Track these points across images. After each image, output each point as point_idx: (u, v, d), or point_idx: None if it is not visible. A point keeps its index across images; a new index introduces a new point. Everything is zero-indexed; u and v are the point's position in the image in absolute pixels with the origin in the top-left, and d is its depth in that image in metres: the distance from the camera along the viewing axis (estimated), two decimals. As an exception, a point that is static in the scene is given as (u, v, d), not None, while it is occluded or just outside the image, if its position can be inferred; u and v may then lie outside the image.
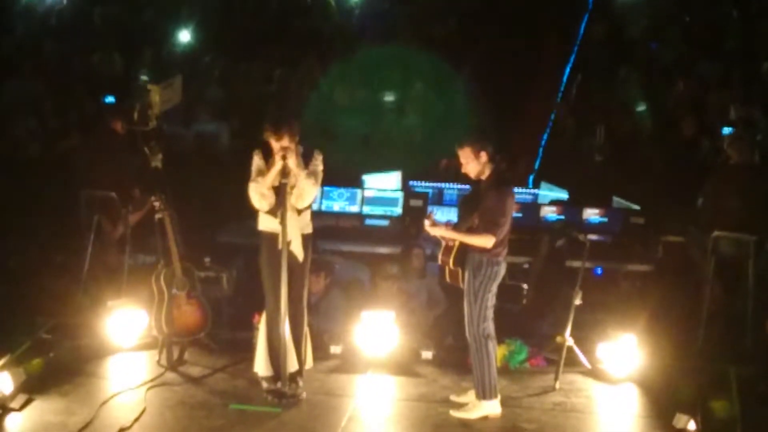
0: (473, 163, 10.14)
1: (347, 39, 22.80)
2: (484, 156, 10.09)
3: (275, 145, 10.10)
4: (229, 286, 12.76)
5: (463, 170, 10.30)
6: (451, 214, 11.39)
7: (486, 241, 10.01)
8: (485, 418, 10.46)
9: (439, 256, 10.56)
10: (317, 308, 12.07)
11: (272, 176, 10.11)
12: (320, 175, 10.44)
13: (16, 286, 12.76)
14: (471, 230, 10.15)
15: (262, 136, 10.27)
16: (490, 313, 10.36)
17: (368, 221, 13.87)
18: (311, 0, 26.18)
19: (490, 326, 10.38)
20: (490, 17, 23.70)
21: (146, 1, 25.44)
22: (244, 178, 10.54)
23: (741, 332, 12.18)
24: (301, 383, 10.84)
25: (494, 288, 10.37)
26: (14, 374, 10.58)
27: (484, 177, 10.21)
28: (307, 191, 10.25)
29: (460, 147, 10.18)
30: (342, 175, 13.14)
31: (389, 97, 19.43)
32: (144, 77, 16.48)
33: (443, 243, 10.42)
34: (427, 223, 10.42)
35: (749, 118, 16.36)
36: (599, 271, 12.78)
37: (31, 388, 10.72)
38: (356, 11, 25.65)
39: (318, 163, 10.39)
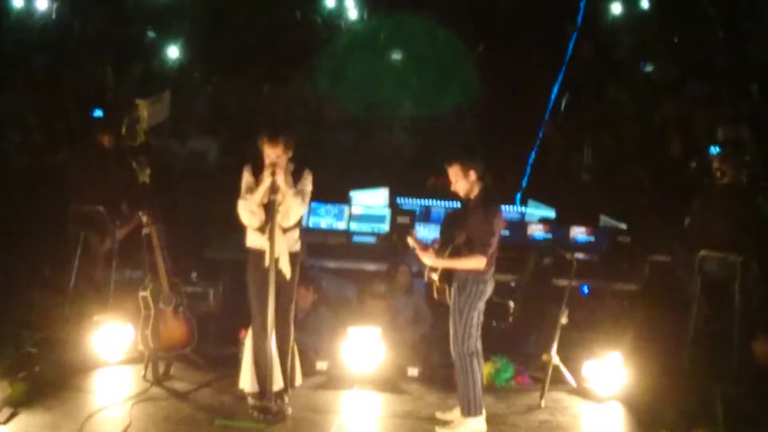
0: (462, 182, 10.16)
1: (335, 55, 22.82)
2: (473, 174, 10.10)
3: (269, 153, 10.12)
4: (215, 302, 12.79)
5: (452, 188, 10.31)
6: (437, 232, 11.39)
7: (478, 263, 10.02)
8: (471, 435, 10.48)
9: (426, 273, 10.57)
10: (304, 324, 12.07)
11: (261, 193, 10.13)
12: (308, 195, 10.45)
13: (1, 299, 12.73)
14: (459, 252, 10.15)
15: (256, 146, 10.28)
16: (476, 331, 10.35)
17: (356, 238, 13.88)
18: (300, 15, 26.29)
19: (476, 344, 10.37)
20: (478, 34, 23.79)
21: (134, 16, 25.53)
22: (232, 193, 10.54)
23: (727, 352, 12.19)
24: (286, 399, 10.83)
25: (480, 306, 10.37)
26: (-1, 388, 10.58)
27: (472, 196, 10.22)
28: (293, 210, 10.25)
29: (449, 165, 10.19)
30: (330, 191, 13.14)
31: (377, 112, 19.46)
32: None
33: (429, 264, 10.43)
34: (410, 240, 10.45)
35: (738, 138, 16.39)
36: (586, 289, 12.82)
37: (16, 402, 10.68)
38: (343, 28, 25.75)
39: (307, 183, 10.40)
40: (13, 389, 10.91)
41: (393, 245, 13.29)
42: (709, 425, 10.62)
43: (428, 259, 10.30)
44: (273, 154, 10.10)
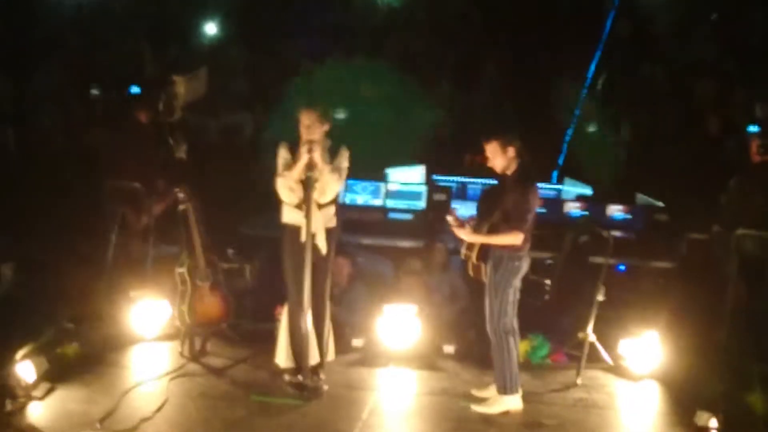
0: (500, 158, 10.16)
1: (372, 33, 22.78)
2: (511, 151, 10.11)
3: (304, 121, 10.21)
4: (251, 278, 12.78)
5: (489, 164, 10.30)
6: (474, 209, 11.35)
7: (515, 239, 10.03)
8: (506, 413, 10.46)
9: (462, 251, 10.55)
10: (340, 301, 12.06)
11: (299, 170, 10.16)
12: (345, 171, 10.48)
13: (40, 275, 12.76)
14: (496, 229, 10.11)
15: (292, 123, 10.29)
16: (512, 308, 10.35)
17: (391, 215, 13.85)
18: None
19: (512, 321, 10.38)
20: (514, 12, 23.72)
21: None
22: (267, 169, 10.53)
23: (764, 331, 12.11)
24: (322, 376, 10.87)
25: (516, 283, 10.37)
26: (37, 363, 10.59)
27: (509, 172, 10.20)
28: (330, 186, 10.28)
29: (487, 141, 10.19)
30: (366, 168, 13.10)
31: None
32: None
33: (467, 240, 10.40)
34: (450, 219, 10.42)
35: (774, 116, 16.32)
36: (622, 267, 12.75)
37: (54, 376, 10.75)
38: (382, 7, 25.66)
39: (343, 159, 10.42)
40: (66, 352, 11.00)
41: (429, 222, 13.29)
42: (746, 404, 10.58)
43: (465, 235, 10.28)
44: (308, 120, 10.16)
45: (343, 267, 12.32)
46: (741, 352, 11.74)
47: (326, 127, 10.27)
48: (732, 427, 9.93)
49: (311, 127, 10.16)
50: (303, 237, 10.32)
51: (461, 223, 10.38)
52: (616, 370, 11.44)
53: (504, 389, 10.47)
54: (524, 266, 10.45)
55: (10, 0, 23.35)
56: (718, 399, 10.42)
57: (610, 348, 11.45)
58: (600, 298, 11.30)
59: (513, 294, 10.39)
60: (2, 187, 14.33)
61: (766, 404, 10.54)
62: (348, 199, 13.59)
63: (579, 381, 11.25)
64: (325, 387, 10.82)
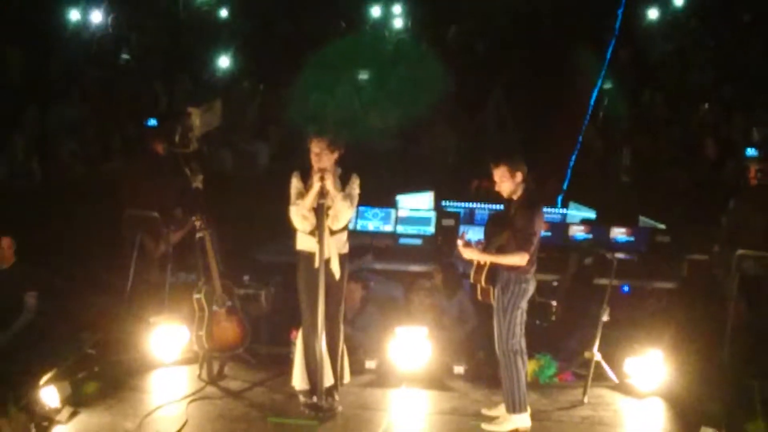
0: (508, 182, 10.18)
1: (381, 65, 22.86)
2: (519, 176, 10.15)
3: (314, 148, 10.21)
4: (267, 303, 12.81)
5: (497, 188, 10.33)
6: (482, 234, 11.38)
7: (521, 259, 10.06)
8: (516, 431, 10.48)
9: (472, 275, 10.60)
10: (353, 323, 12.09)
11: (311, 198, 10.18)
12: (356, 198, 10.48)
13: (62, 302, 12.81)
14: (502, 250, 10.17)
15: (304, 152, 10.35)
16: (520, 330, 10.38)
17: (402, 240, 13.89)
18: (345, 24, 26.36)
19: (520, 342, 10.40)
20: (519, 41, 23.82)
21: (186, 27, 25.64)
22: (282, 198, 10.59)
23: (765, 348, 12.15)
24: (337, 397, 10.87)
25: (523, 304, 10.40)
26: (60, 388, 10.62)
27: (515, 197, 10.25)
28: (342, 213, 10.30)
29: (496, 165, 10.21)
30: (376, 195, 13.15)
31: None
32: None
33: (475, 262, 10.44)
34: (460, 243, 10.46)
35: (772, 139, 16.39)
36: (626, 288, 12.79)
37: (77, 401, 10.77)
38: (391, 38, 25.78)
39: (354, 187, 10.44)
40: (86, 389, 11.03)
41: (439, 247, 13.33)
42: (749, 420, 10.61)
43: (473, 254, 10.32)
44: (317, 148, 10.16)
45: (355, 291, 12.36)
46: (743, 369, 11.77)
47: (336, 155, 10.29)
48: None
49: (321, 155, 10.19)
50: (317, 263, 10.39)
51: (470, 246, 10.46)
52: (622, 388, 11.45)
53: (513, 408, 10.49)
54: (531, 288, 10.48)
55: (32, 35, 23.52)
56: (722, 415, 10.46)
57: (615, 367, 11.48)
58: (605, 318, 11.33)
59: (520, 315, 10.42)
60: (27, 217, 14.39)
61: (763, 424, 10.59)
62: (359, 225, 13.63)
63: (586, 399, 11.26)
64: (340, 408, 10.83)
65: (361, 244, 13.22)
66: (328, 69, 21.59)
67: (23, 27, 23.88)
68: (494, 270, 10.38)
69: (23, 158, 17.35)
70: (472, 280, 10.73)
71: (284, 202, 10.55)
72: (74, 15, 25.04)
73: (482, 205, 13.68)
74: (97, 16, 25.35)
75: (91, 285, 13.36)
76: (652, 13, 26.71)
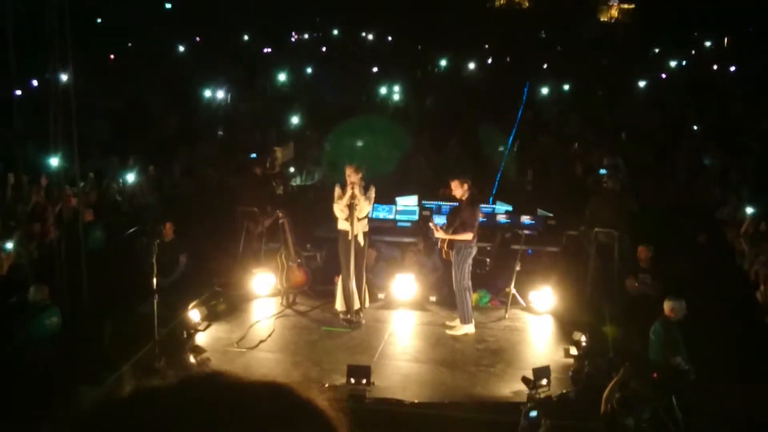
0: (459, 190, 10.32)
1: (386, 121, 22.93)
2: (465, 186, 10.31)
3: (349, 174, 10.36)
4: (320, 261, 12.79)
5: (453, 193, 10.46)
6: (444, 219, 11.37)
7: (468, 236, 10.23)
8: (466, 334, 10.53)
9: (439, 244, 10.73)
10: (371, 272, 12.06)
11: (346, 199, 10.31)
12: (372, 199, 10.62)
13: (201, 261, 12.83)
14: (457, 230, 10.25)
15: (344, 172, 10.51)
16: (467, 275, 10.49)
17: (399, 224, 13.84)
18: (366, 98, 26.42)
19: (467, 283, 10.48)
20: (468, 107, 23.84)
21: (273, 98, 25.74)
22: (329, 199, 10.64)
23: (610, 286, 12.14)
24: (361, 315, 10.92)
25: (470, 261, 10.52)
26: (200, 311, 10.69)
27: (464, 198, 10.31)
28: (364, 208, 10.46)
29: (452, 180, 10.42)
30: (384, 197, 13.16)
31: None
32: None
33: (441, 237, 10.53)
34: (432, 227, 10.63)
35: (615, 164, 16.34)
36: (530, 251, 12.74)
37: (210, 318, 10.84)
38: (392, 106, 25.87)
39: (371, 193, 10.55)
40: (217, 309, 11.11)
41: (420, 228, 13.29)
42: (601, 326, 10.63)
43: (440, 234, 10.45)
44: (349, 171, 10.40)
45: (372, 254, 12.34)
46: (598, 299, 11.77)
47: (360, 174, 10.36)
48: (593, 340, 9.97)
49: (351, 175, 10.30)
50: (349, 237, 10.44)
51: (438, 228, 10.53)
52: (528, 309, 11.40)
53: (463, 320, 10.55)
54: (474, 251, 10.54)
55: (183, 103, 23.63)
56: (586, 325, 10.48)
57: (524, 296, 11.45)
58: (518, 268, 11.31)
59: (468, 267, 10.48)
60: (182, 211, 14.43)
61: (611, 328, 10.59)
62: (374, 215, 13.58)
63: (506, 315, 11.24)
64: (363, 321, 10.89)
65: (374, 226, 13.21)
66: (357, 124, 21.64)
67: (178, 97, 24.05)
68: (453, 242, 10.43)
69: (179, 177, 17.40)
70: (439, 247, 10.82)
71: (330, 201, 10.60)
72: (207, 92, 25.15)
73: (445, 203, 13.60)
74: (220, 93, 25.45)
75: (219, 251, 13.36)
76: (545, 90, 26.78)
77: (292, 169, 17.22)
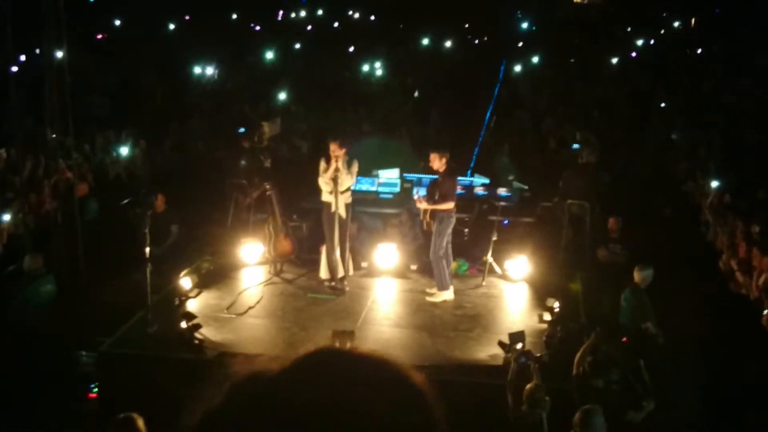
0: (438, 162, 10.30)
1: (369, 97, 22.86)
2: (444, 158, 10.24)
3: (333, 149, 10.33)
4: (306, 231, 12.78)
5: (431, 166, 10.46)
6: (424, 191, 11.39)
7: (449, 206, 10.25)
8: (445, 301, 10.56)
9: (421, 215, 10.74)
10: (354, 241, 12.06)
11: (330, 173, 10.30)
12: (355, 173, 10.66)
13: (192, 231, 12.81)
14: (438, 201, 10.27)
15: (327, 147, 10.51)
16: (446, 244, 10.53)
17: (381, 195, 13.84)
18: (349, 74, 26.30)
19: (446, 251, 10.52)
20: (447, 84, 23.78)
21: (260, 74, 25.57)
22: (314, 172, 10.62)
23: (582, 255, 12.22)
24: (345, 282, 10.91)
25: (449, 230, 10.50)
26: (191, 278, 10.68)
27: (442, 170, 10.30)
28: (346, 181, 10.47)
29: (432, 153, 10.37)
30: (367, 170, 13.15)
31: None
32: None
33: (423, 209, 10.55)
34: (415, 198, 10.67)
35: (588, 139, 16.36)
36: (506, 222, 12.78)
37: (201, 285, 10.82)
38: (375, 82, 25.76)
39: (354, 166, 10.56)
40: (203, 266, 11.09)
41: (401, 199, 13.29)
42: (573, 293, 10.70)
43: (423, 205, 10.46)
44: (333, 146, 10.34)
45: (354, 225, 12.34)
46: (570, 266, 11.83)
47: (344, 150, 10.34)
48: (566, 306, 10.02)
49: (335, 150, 10.28)
50: (333, 209, 10.44)
51: (421, 200, 10.55)
52: (504, 277, 11.43)
53: (441, 287, 10.58)
54: (453, 221, 10.56)
55: (171, 79, 23.45)
56: (558, 291, 10.53)
57: (500, 264, 11.48)
58: (494, 238, 11.33)
59: (447, 237, 10.50)
60: (174, 183, 14.37)
61: (583, 292, 10.67)
62: (357, 187, 13.56)
63: (484, 283, 11.27)
64: (347, 288, 10.89)
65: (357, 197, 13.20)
66: (341, 99, 21.59)
67: (165, 74, 23.87)
68: (434, 212, 10.44)
69: (170, 151, 17.31)
70: (421, 218, 10.83)
71: (315, 174, 10.58)
72: (197, 69, 24.97)
73: (426, 176, 13.60)
74: (209, 70, 25.28)
75: (209, 221, 13.34)
76: (518, 68, 26.76)
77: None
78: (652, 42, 34.61)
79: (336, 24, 39.12)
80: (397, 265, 11.69)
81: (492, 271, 11.45)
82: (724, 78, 24.55)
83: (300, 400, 1.19)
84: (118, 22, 33.56)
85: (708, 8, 38.00)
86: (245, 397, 1.22)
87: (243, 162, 14.09)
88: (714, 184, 13.48)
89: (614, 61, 28.96)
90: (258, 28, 36.29)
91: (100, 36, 31.35)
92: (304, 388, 1.21)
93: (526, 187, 13.75)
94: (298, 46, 31.57)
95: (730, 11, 34.91)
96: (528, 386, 7.08)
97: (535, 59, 28.58)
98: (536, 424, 6.84)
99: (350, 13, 40.63)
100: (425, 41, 32.85)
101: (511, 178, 14.34)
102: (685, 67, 27.54)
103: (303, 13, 39.96)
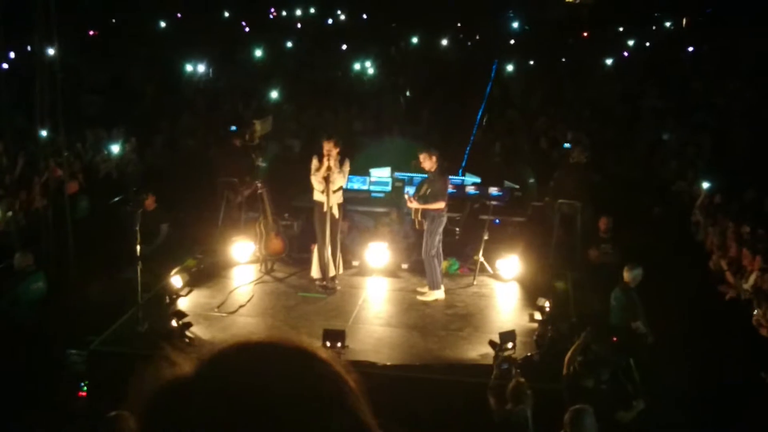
0: (428, 162, 10.35)
1: (361, 95, 22.82)
2: (434, 158, 10.31)
3: (325, 146, 10.31)
4: (297, 230, 12.77)
5: (422, 165, 10.48)
6: (413, 190, 11.44)
7: (440, 205, 10.31)
8: (436, 300, 10.59)
9: (413, 214, 10.77)
10: (346, 240, 12.07)
11: (322, 171, 10.30)
12: (347, 172, 10.69)
13: (183, 229, 12.78)
14: (429, 201, 10.31)
15: (319, 145, 10.50)
16: (437, 243, 10.56)
17: (373, 194, 13.84)
18: (341, 73, 26.26)
19: (437, 250, 10.56)
20: (438, 84, 23.78)
21: (252, 72, 25.51)
22: (306, 171, 10.61)
23: (573, 254, 12.23)
24: (337, 282, 10.92)
25: (440, 230, 10.54)
26: (182, 277, 10.66)
27: (433, 170, 10.33)
28: (338, 180, 10.46)
29: (422, 152, 10.37)
30: (359, 169, 13.14)
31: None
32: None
33: (414, 207, 10.56)
34: (407, 197, 10.69)
35: (579, 139, 16.38)
36: (497, 221, 12.78)
37: (191, 283, 10.82)
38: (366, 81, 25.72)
39: (346, 165, 10.57)
40: (189, 264, 11.05)
41: (393, 198, 13.29)
42: (562, 291, 10.72)
43: (414, 204, 10.48)
44: (327, 146, 10.29)
45: (346, 223, 12.33)
46: (561, 266, 11.85)
47: (337, 149, 10.33)
48: (556, 305, 10.03)
49: (329, 148, 10.26)
50: (325, 208, 10.43)
51: (411, 199, 10.55)
52: (495, 276, 11.48)
53: (432, 286, 10.62)
54: (444, 220, 10.59)
55: (163, 77, 23.39)
56: (549, 291, 10.55)
57: (491, 264, 11.50)
58: (485, 237, 11.36)
59: (438, 236, 10.52)
60: (165, 181, 14.33)
61: (574, 292, 10.69)
62: (349, 186, 13.53)
63: (475, 282, 11.32)
64: (338, 287, 10.91)
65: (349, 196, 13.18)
66: (333, 98, 21.56)
67: (156, 72, 23.80)
68: (425, 211, 10.45)
69: (161, 149, 17.27)
70: (412, 217, 10.85)
71: (308, 173, 10.58)
72: (189, 67, 24.91)
73: (417, 175, 13.59)
74: (201, 67, 25.22)
75: (199, 219, 13.31)
76: (510, 68, 26.76)
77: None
78: (643, 41, 34.67)
79: (329, 21, 39.14)
80: (389, 263, 11.69)
81: (483, 271, 11.46)
82: (714, 78, 24.60)
83: (219, 398, 1.21)
84: (110, 20, 33.49)
85: (700, 8, 38.09)
86: (166, 405, 1.25)
87: (233, 160, 14.03)
88: (705, 185, 13.51)
89: (605, 62, 29.00)
90: (250, 26, 36.27)
91: (91, 33, 31.31)
92: (220, 386, 1.23)
93: (517, 186, 13.76)
94: (290, 44, 31.54)
95: (722, 11, 34.99)
96: (511, 384, 7.11)
97: (527, 59, 28.60)
98: (521, 422, 6.85)
99: (341, 12, 40.62)
100: (417, 41, 32.85)
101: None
102: (676, 66, 27.58)
103: (295, 12, 39.92)
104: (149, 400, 1.26)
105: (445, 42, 32.91)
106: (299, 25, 37.89)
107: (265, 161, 13.39)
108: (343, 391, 1.30)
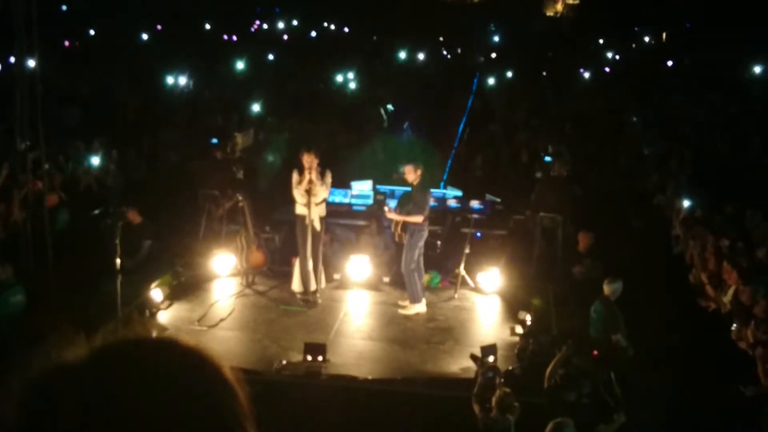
0: (411, 174, 10.38)
1: (343, 108, 22.85)
2: (418, 171, 10.31)
3: (305, 159, 10.30)
4: (279, 242, 12.75)
5: (406, 178, 10.50)
6: (395, 203, 11.45)
7: (419, 219, 10.33)
8: (417, 313, 10.58)
9: (393, 227, 10.79)
10: (327, 253, 12.06)
11: (304, 184, 10.27)
12: (329, 185, 10.66)
13: (163, 242, 12.72)
14: (410, 213, 10.30)
15: (300, 157, 10.46)
16: (417, 257, 10.62)
17: (354, 207, 13.84)
18: (323, 85, 26.31)
19: (417, 264, 10.59)
20: (420, 96, 23.86)
21: (234, 86, 25.49)
22: (287, 183, 10.61)
23: (554, 268, 12.26)
24: (318, 294, 10.90)
25: (421, 243, 10.56)
26: (163, 290, 10.62)
27: (415, 183, 10.36)
28: (320, 193, 10.46)
29: (406, 164, 10.42)
30: (340, 182, 13.14)
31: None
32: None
33: (394, 220, 10.60)
34: (386, 210, 10.70)
35: (560, 152, 16.46)
36: (479, 234, 12.80)
37: (172, 297, 10.77)
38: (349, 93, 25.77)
39: (328, 178, 10.56)
40: (165, 281, 11.00)
41: (374, 211, 13.29)
42: (543, 304, 10.74)
43: (393, 216, 10.53)
44: (308, 158, 10.29)
45: (327, 235, 12.32)
46: (543, 279, 11.87)
47: (317, 161, 10.33)
48: (537, 319, 10.06)
49: (308, 161, 10.26)
50: (307, 221, 10.42)
51: (390, 210, 10.60)
52: (476, 289, 11.47)
53: (413, 300, 10.62)
54: (425, 234, 10.61)
55: (144, 90, 23.32)
56: (530, 305, 10.58)
57: (473, 277, 11.51)
58: (467, 251, 11.37)
59: (419, 249, 10.54)
60: (147, 195, 14.26)
61: (555, 306, 10.71)
62: (331, 199, 13.54)
63: (456, 296, 11.31)
64: (320, 301, 10.88)
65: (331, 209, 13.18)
66: (316, 110, 21.57)
67: (141, 84, 23.74)
68: (406, 225, 10.48)
69: (142, 162, 17.20)
70: (393, 230, 10.87)
71: (289, 186, 10.56)
72: (170, 79, 24.87)
73: (398, 188, 13.62)
74: (182, 80, 25.19)
75: (181, 232, 13.26)
76: (491, 81, 26.89)
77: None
78: (623, 56, 34.94)
79: (313, 33, 39.22)
80: (370, 277, 11.69)
81: (464, 284, 11.48)
82: (694, 91, 24.82)
83: (96, 388, 1.21)
84: (90, 32, 33.42)
85: (679, 22, 38.45)
86: (41, 387, 1.25)
87: (215, 172, 13.99)
88: (686, 203, 13.61)
89: (586, 75, 29.20)
90: (232, 38, 36.29)
91: (68, 44, 31.21)
92: (101, 376, 1.23)
93: (498, 199, 13.80)
94: (271, 57, 31.57)
95: (701, 26, 35.34)
96: (498, 392, 7.14)
97: (508, 72, 28.77)
98: (505, 429, 6.88)
99: (325, 24, 40.73)
100: (400, 54, 32.97)
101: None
102: (657, 80, 27.81)
103: (278, 25, 39.98)
104: (28, 380, 1.26)
105: (426, 55, 33.05)
106: (284, 37, 37.96)
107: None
108: (226, 398, 1.29)
